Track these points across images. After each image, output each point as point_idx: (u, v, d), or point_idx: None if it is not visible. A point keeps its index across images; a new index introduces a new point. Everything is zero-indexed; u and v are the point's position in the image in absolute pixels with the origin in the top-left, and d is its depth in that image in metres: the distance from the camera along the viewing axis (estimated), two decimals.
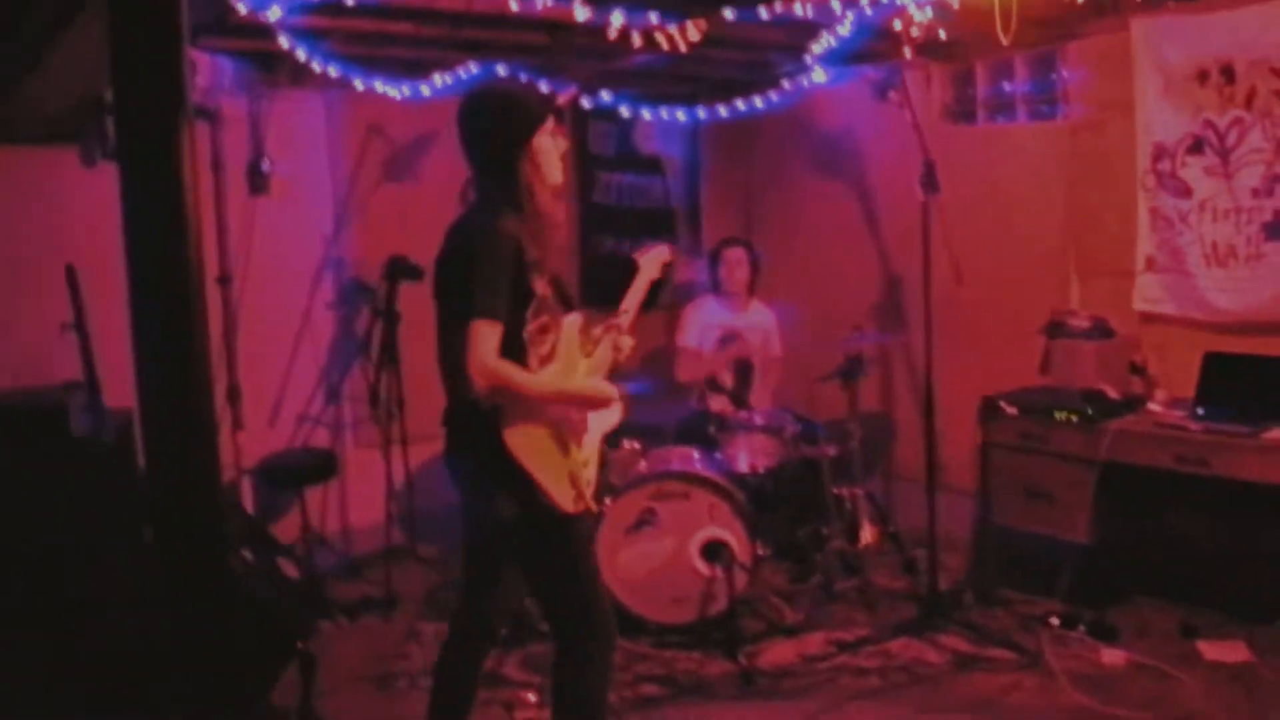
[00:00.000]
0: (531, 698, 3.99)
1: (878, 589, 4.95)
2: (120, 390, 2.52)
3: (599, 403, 2.97)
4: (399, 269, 5.14)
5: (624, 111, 6.14)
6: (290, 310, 5.35)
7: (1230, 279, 4.52)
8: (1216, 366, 4.36)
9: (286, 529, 5.15)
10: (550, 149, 2.90)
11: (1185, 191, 4.64)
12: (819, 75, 5.73)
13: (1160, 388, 4.55)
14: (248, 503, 4.90)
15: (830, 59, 5.40)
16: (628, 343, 3.19)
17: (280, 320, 5.31)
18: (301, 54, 4.30)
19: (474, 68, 5.01)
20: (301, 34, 4.30)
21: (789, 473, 5.08)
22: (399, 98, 4.99)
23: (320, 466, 5.17)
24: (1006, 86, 5.57)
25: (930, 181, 4.38)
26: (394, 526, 5.22)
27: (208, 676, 2.23)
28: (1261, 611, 4.33)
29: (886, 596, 4.90)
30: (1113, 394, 4.52)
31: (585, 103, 5.90)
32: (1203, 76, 4.51)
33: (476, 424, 2.75)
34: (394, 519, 5.24)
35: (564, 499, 2.80)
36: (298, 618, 4.13)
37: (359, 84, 4.76)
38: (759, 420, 5.01)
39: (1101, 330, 4.85)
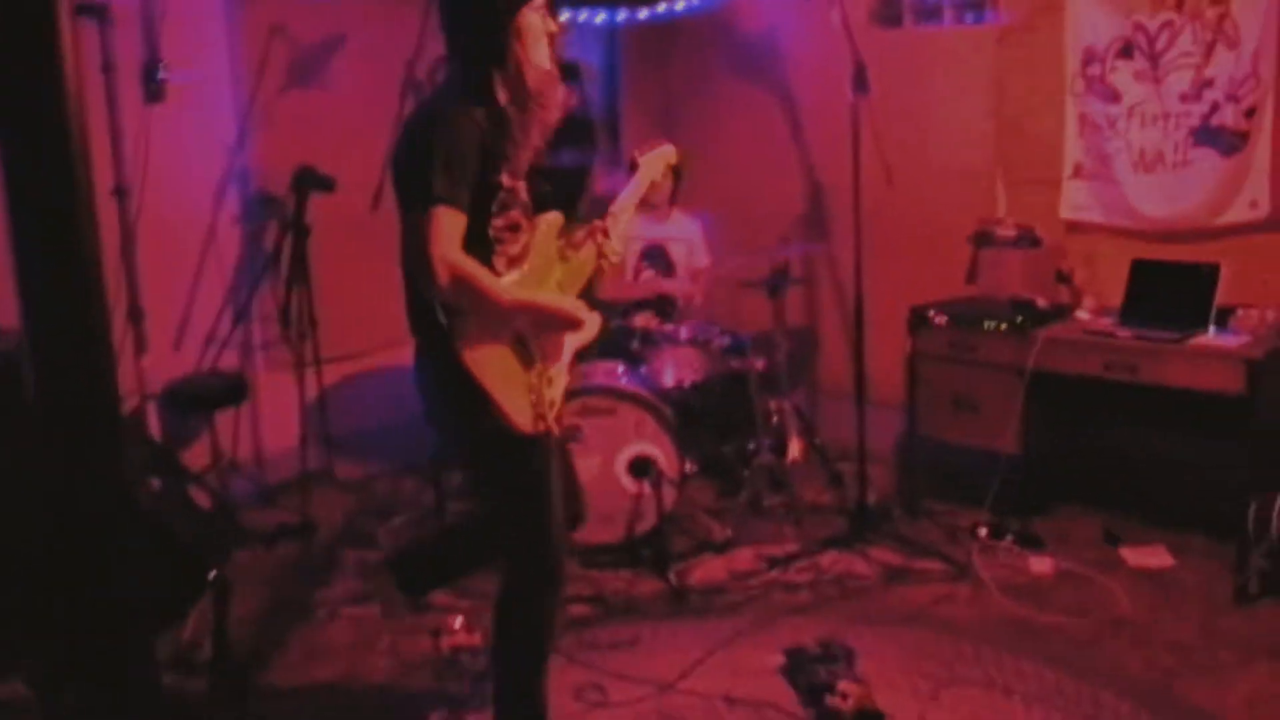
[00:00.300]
0: (458, 622, 3.88)
1: (805, 504, 4.92)
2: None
3: (567, 320, 2.75)
4: (308, 179, 4.89)
5: None
6: (193, 226, 5.06)
7: (1158, 185, 4.50)
8: (1144, 274, 4.35)
9: (197, 456, 4.93)
10: (538, 28, 2.63)
11: (1114, 96, 4.58)
12: None
13: (1088, 296, 4.53)
14: (154, 429, 4.66)
15: None
16: (615, 249, 2.95)
17: (183, 237, 5.02)
18: None
19: None
20: None
21: (715, 387, 4.99)
22: None
23: (230, 390, 4.94)
24: None
25: (861, 82, 4.26)
26: (310, 450, 5.02)
27: (109, 608, 2.10)
28: (1181, 517, 4.39)
29: (814, 511, 4.87)
30: (1041, 303, 4.49)
31: None
32: None
33: (434, 334, 2.56)
34: (309, 443, 5.05)
35: (522, 418, 2.61)
36: (210, 546, 3.96)
37: None
38: (685, 334, 4.89)
39: (1028, 239, 4.82)
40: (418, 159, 2.48)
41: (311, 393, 5.10)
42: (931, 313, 4.63)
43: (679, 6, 5.83)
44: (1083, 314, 4.46)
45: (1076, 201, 4.77)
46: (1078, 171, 4.75)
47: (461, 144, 2.47)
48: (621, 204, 3.03)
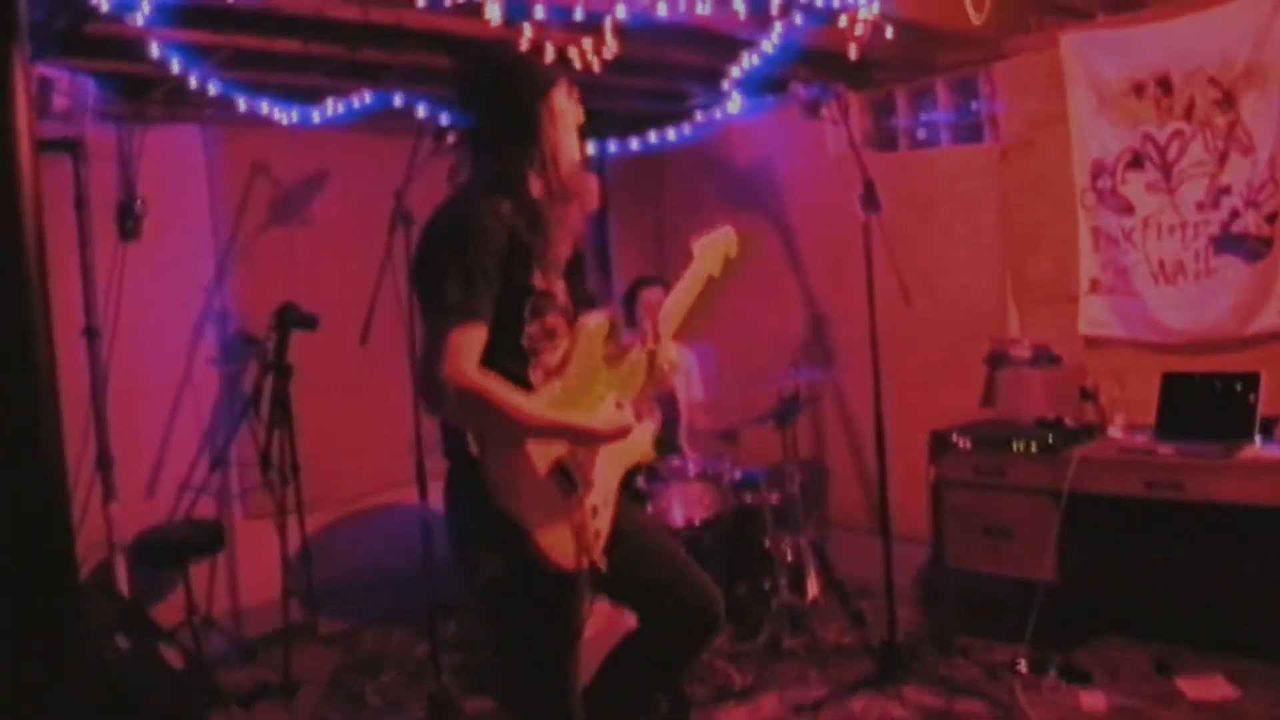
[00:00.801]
0: None
1: (828, 645, 4.57)
2: None
3: (606, 438, 2.42)
4: (290, 317, 4.66)
5: None
6: (168, 367, 4.80)
7: (1181, 296, 4.33)
8: (1177, 387, 4.14)
9: (169, 612, 4.55)
10: (569, 112, 2.43)
11: (1128, 208, 4.46)
12: (734, 105, 5.47)
13: (1118, 413, 4.31)
14: (122, 583, 4.30)
15: (746, 87, 5.13)
16: (671, 354, 2.66)
17: (157, 379, 4.76)
18: (175, 66, 3.81)
19: (369, 96, 4.59)
20: (176, 50, 3.84)
21: (727, 524, 4.70)
22: (287, 124, 4.53)
23: (204, 539, 4.60)
24: (927, 114, 5.38)
25: (871, 200, 4.11)
26: (291, 603, 4.65)
27: None
28: (1237, 644, 4.08)
29: (837, 652, 4.52)
30: (1070, 422, 4.26)
31: None
32: (1139, 89, 4.36)
33: (463, 460, 2.29)
34: (290, 595, 4.67)
35: (562, 553, 2.31)
36: (183, 709, 3.57)
37: (242, 104, 4.27)
38: (694, 468, 4.62)
39: (1046, 357, 4.62)
40: (433, 268, 2.23)
41: (293, 542, 4.76)
42: (954, 436, 4.38)
43: (670, 136, 5.74)
44: (1115, 432, 4.23)
45: (1096, 317, 4.59)
46: (1095, 287, 4.59)
47: (483, 248, 2.21)
48: (676, 300, 2.72)
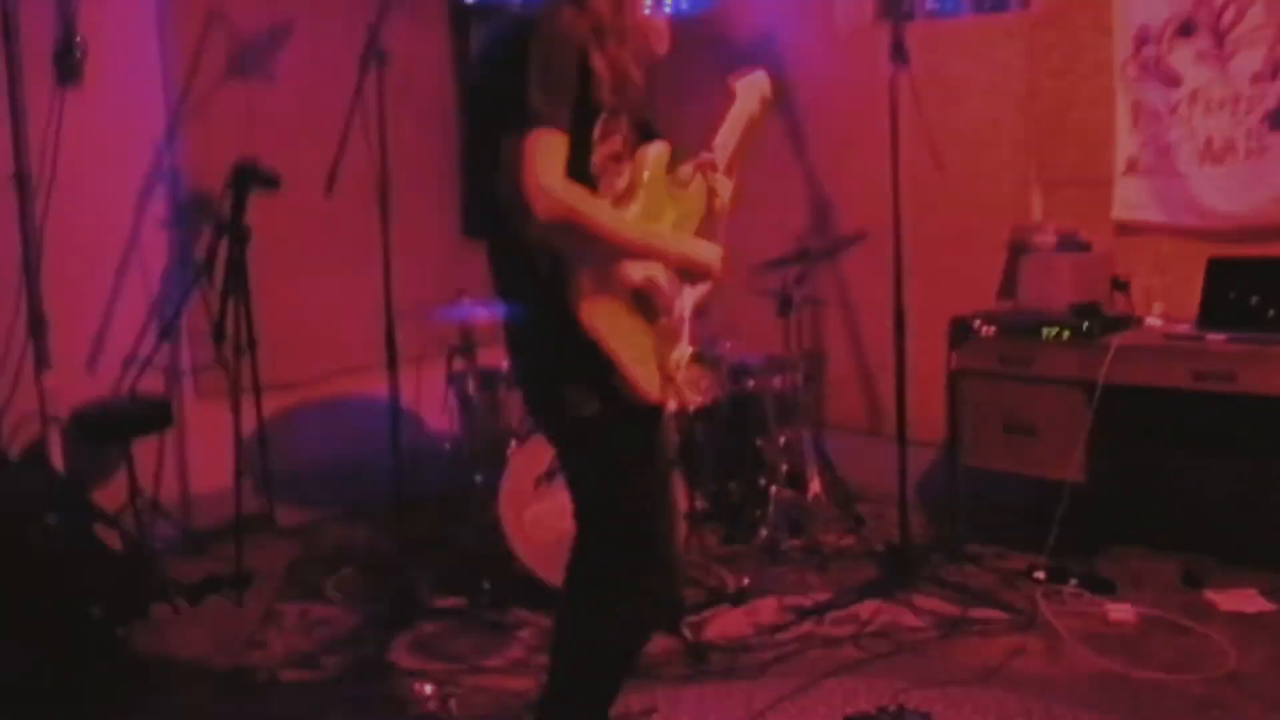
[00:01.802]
0: (428, 689, 3.16)
1: (828, 547, 4.25)
2: None
3: (697, 265, 2.30)
4: (249, 175, 4.18)
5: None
6: (112, 227, 4.33)
7: (1229, 177, 3.96)
8: (1223, 274, 3.80)
9: (110, 495, 4.14)
10: None
11: (1174, 80, 4.07)
12: None
13: (1157, 301, 3.97)
14: (56, 459, 3.88)
15: None
16: (726, 185, 2.49)
17: (101, 240, 4.29)
18: None
19: None
20: None
21: (722, 413, 4.34)
22: None
23: (150, 417, 4.18)
24: None
25: (900, 52, 3.69)
26: (245, 492, 4.25)
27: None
28: (1272, 557, 3.79)
29: (838, 556, 4.20)
30: (1106, 309, 3.92)
31: None
32: None
33: (539, 291, 2.15)
34: (246, 482, 4.28)
35: (650, 385, 2.19)
36: (122, 597, 3.19)
37: None
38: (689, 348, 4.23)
39: (1074, 243, 4.26)
40: (511, 71, 2.06)
41: (249, 424, 4.35)
42: (977, 322, 4.02)
43: (667, 7, 5.26)
44: (1154, 321, 3.89)
45: (1132, 200, 4.22)
46: (1132, 167, 4.21)
47: (561, 53, 2.08)
48: (723, 136, 2.54)
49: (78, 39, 4.14)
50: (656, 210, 2.29)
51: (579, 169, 2.10)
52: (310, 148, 4.04)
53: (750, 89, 2.65)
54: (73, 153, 4.08)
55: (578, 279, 2.10)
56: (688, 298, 2.36)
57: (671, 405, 2.36)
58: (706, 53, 5.66)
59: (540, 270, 2.12)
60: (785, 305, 4.48)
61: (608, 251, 2.14)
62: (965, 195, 4.66)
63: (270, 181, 4.21)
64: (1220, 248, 3.95)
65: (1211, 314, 3.76)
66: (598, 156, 2.16)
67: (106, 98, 4.25)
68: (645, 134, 2.34)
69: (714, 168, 2.45)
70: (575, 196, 2.04)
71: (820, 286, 5.18)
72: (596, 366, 2.12)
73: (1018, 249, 4.42)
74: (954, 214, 4.70)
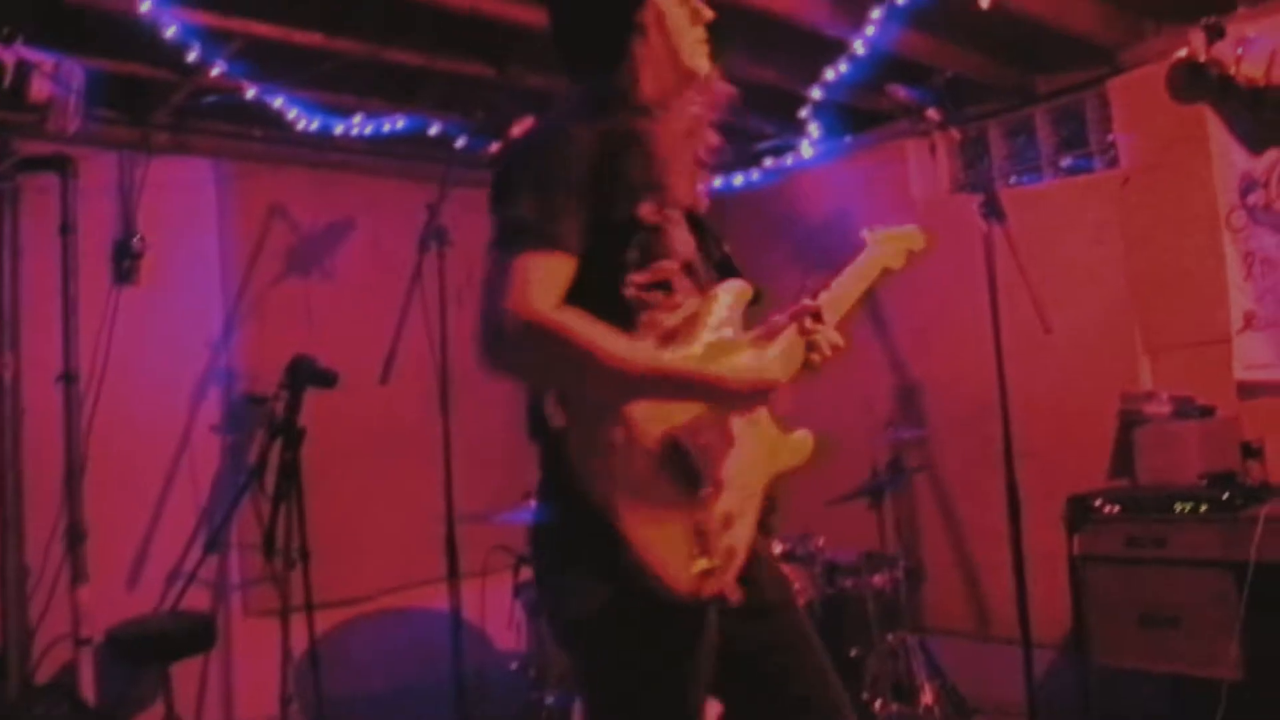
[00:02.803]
0: None
1: None
2: None
3: (752, 389, 1.74)
4: (304, 373, 4.00)
5: None
6: (162, 432, 4.13)
7: None
8: None
9: None
10: (680, 18, 1.88)
11: None
12: (808, 149, 4.90)
13: None
14: (88, 687, 3.54)
15: (824, 119, 4.57)
16: (832, 340, 2.02)
17: (149, 444, 4.08)
18: (192, 53, 3.24)
19: (401, 121, 4.04)
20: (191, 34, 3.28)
21: (818, 617, 3.91)
22: (305, 130, 3.94)
23: (191, 635, 3.84)
24: (1026, 149, 4.76)
25: (994, 208, 3.46)
26: (294, 716, 3.86)
27: None
28: None
29: None
30: (1244, 478, 3.50)
31: None
32: None
33: (545, 442, 1.74)
34: (293, 708, 3.89)
35: (676, 571, 1.66)
36: None
37: (250, 93, 3.64)
38: (780, 545, 3.86)
39: (1193, 409, 3.88)
40: (502, 185, 1.74)
41: (299, 643, 3.99)
42: (1099, 501, 3.61)
43: (736, 181, 5.14)
44: None
45: (1255, 358, 3.86)
46: (1250, 321, 3.87)
47: (566, 158, 1.71)
48: (842, 284, 2.18)
49: (136, 238, 4.06)
50: (725, 355, 1.80)
51: (607, 297, 1.70)
52: (369, 345, 3.86)
53: (891, 241, 2.39)
54: (125, 352, 3.94)
55: (582, 422, 1.66)
56: (758, 469, 1.85)
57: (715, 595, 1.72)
58: (776, 228, 5.54)
59: (550, 429, 1.69)
60: (879, 492, 4.11)
61: (611, 387, 1.63)
62: (1067, 365, 4.33)
63: (326, 379, 4.01)
64: None
65: None
66: (632, 283, 1.74)
67: (163, 295, 4.14)
68: (722, 270, 1.95)
69: (818, 318, 2.03)
70: (560, 320, 1.60)
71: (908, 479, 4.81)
72: (599, 541, 1.63)
73: (1129, 420, 4.04)
74: (1056, 385, 4.36)
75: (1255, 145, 3.83)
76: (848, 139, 4.91)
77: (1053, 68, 4.46)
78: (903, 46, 3.90)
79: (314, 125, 3.87)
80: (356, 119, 3.96)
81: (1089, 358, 4.31)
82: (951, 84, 4.01)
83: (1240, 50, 3.43)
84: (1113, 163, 4.37)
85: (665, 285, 1.77)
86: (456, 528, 3.74)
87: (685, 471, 1.69)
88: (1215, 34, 3.47)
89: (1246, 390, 3.90)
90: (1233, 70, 3.42)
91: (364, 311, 4.40)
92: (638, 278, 1.74)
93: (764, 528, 1.93)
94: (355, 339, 4.23)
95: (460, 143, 4.07)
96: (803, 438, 1.98)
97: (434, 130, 4.10)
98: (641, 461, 1.66)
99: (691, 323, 1.79)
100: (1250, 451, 3.73)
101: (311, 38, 3.38)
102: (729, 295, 1.88)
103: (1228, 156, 3.89)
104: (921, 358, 4.92)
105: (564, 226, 1.65)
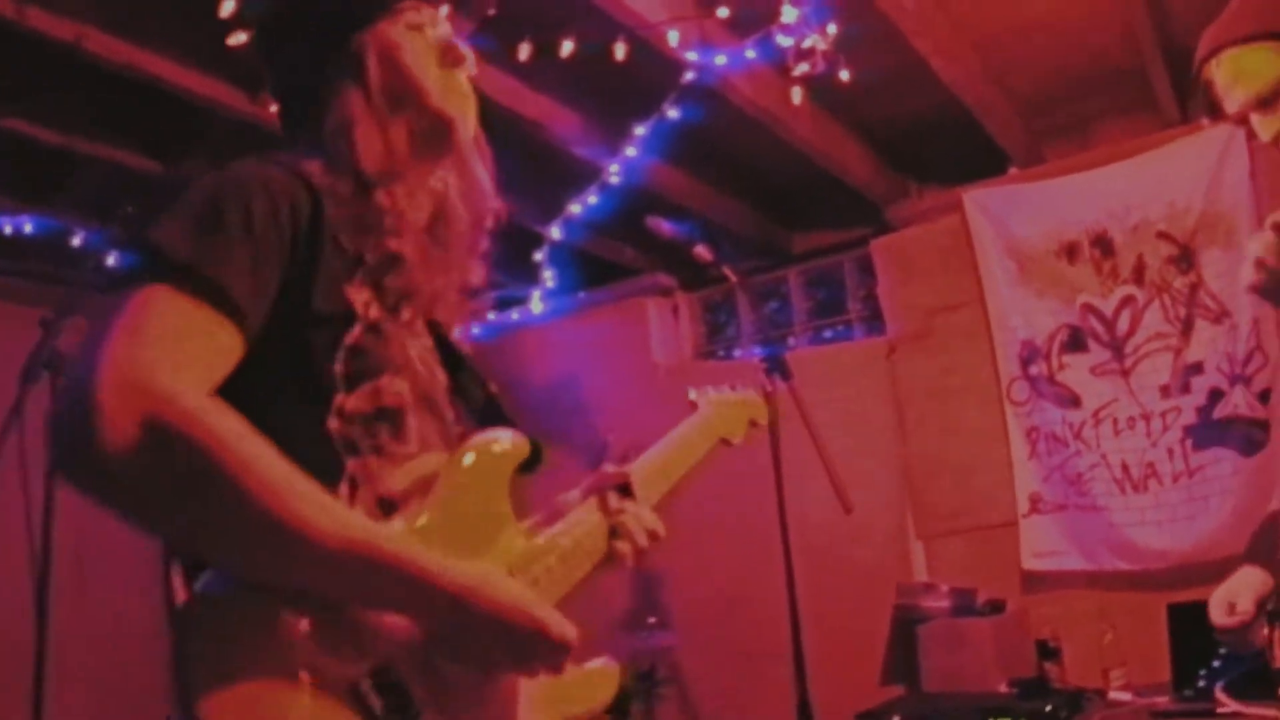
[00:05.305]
0: None
1: None
2: None
3: (493, 617, 1.06)
4: None
5: None
6: None
7: (1156, 507, 3.30)
8: (1186, 624, 3.00)
9: None
10: (419, 50, 1.29)
11: (1072, 400, 3.47)
12: (537, 304, 4.28)
13: (1118, 667, 3.10)
14: None
15: (561, 268, 3.99)
16: (646, 521, 1.41)
17: None
18: None
19: (29, 225, 3.11)
20: None
21: None
22: None
23: None
24: (778, 311, 4.37)
25: (779, 365, 2.90)
26: None
27: None
28: None
29: None
30: (1057, 683, 3.02)
31: None
32: (1071, 251, 3.50)
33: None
34: None
35: None
36: None
37: None
38: None
39: (980, 604, 3.43)
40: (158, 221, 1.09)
41: None
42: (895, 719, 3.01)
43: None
44: (1118, 694, 3.01)
45: (1043, 545, 3.48)
46: (1037, 505, 3.50)
47: (259, 199, 1.11)
48: (663, 453, 1.58)
49: None
50: (470, 542, 1.16)
51: (291, 431, 1.04)
52: None
53: (729, 407, 1.82)
54: None
55: (216, 610, 0.97)
56: (509, 707, 1.17)
57: None
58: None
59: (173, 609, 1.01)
60: (626, 705, 3.36)
61: (266, 552, 0.97)
62: (829, 556, 3.80)
63: None
64: (1159, 596, 3.20)
65: (1189, 678, 2.92)
66: (339, 408, 1.13)
67: None
68: (486, 417, 1.32)
69: (629, 492, 1.42)
70: (204, 414, 0.95)
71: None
72: None
73: (907, 616, 3.54)
74: (817, 580, 3.81)
75: (1035, 312, 3.54)
76: (583, 294, 4.35)
77: (812, 223, 4.12)
78: (659, 181, 3.41)
79: None
80: None
81: (860, 548, 3.81)
82: (705, 234, 3.55)
83: None
84: (877, 330, 4.00)
85: (392, 419, 1.16)
86: None
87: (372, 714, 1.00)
88: None
89: (1033, 581, 3.50)
90: None
91: None
92: (349, 402, 1.13)
93: None
94: None
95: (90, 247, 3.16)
96: (603, 672, 1.31)
97: (77, 240, 3.18)
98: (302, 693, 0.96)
99: (425, 489, 1.15)
100: (1047, 652, 3.28)
101: None
102: (489, 453, 1.21)
103: (1006, 323, 3.59)
104: (664, 546, 4.27)
105: (234, 278, 1.05)
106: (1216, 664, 2.95)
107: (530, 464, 1.26)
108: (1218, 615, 1.40)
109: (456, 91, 1.32)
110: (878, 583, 3.74)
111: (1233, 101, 1.44)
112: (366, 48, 1.28)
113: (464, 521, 1.16)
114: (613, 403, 4.45)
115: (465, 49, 1.34)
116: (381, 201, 1.22)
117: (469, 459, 1.19)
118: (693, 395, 1.79)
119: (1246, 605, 1.35)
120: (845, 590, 3.79)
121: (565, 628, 1.09)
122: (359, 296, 1.16)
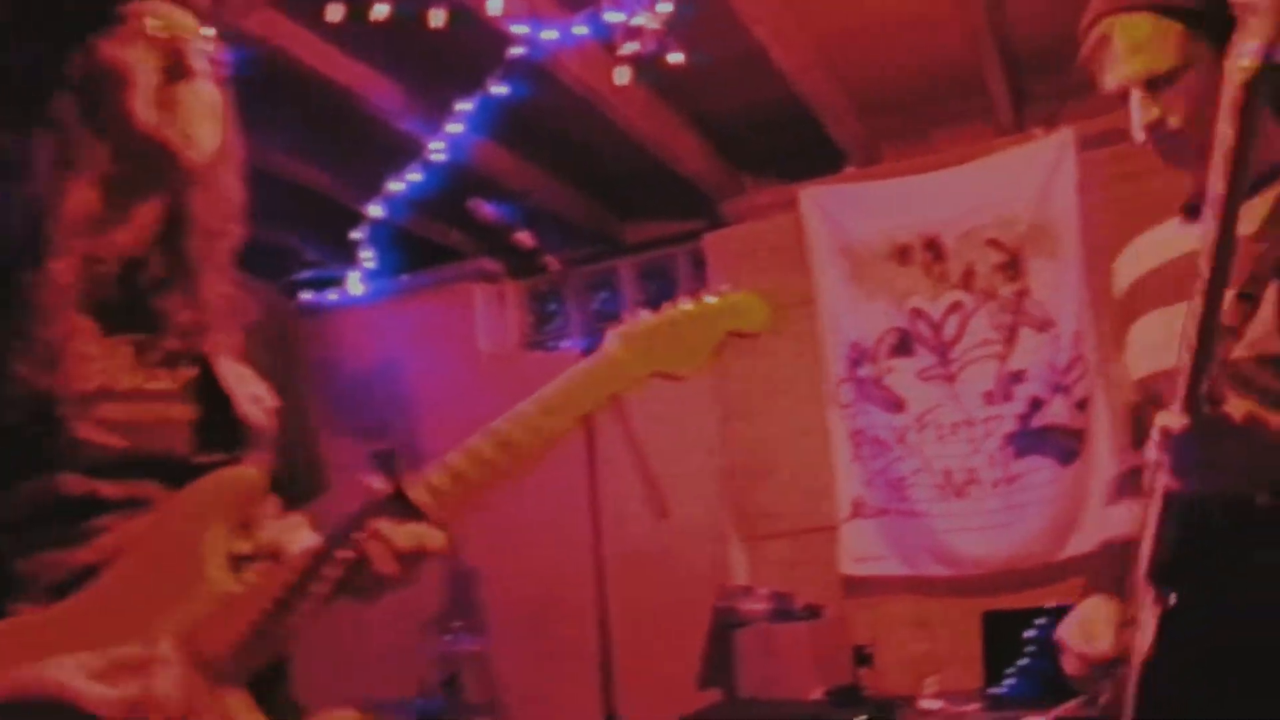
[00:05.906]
0: None
1: None
2: None
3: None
4: None
5: None
6: None
7: (976, 514, 3.29)
8: (1001, 632, 3.00)
9: None
10: (143, 70, 1.10)
11: (897, 404, 3.44)
12: (355, 287, 4.04)
13: (933, 675, 3.08)
14: None
15: (380, 247, 3.77)
16: (427, 539, 1.10)
17: None
18: None
19: None
20: None
21: None
22: None
23: None
24: (606, 304, 4.24)
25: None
26: None
27: None
28: None
29: None
30: (869, 691, 2.98)
31: None
32: (903, 254, 3.46)
33: None
34: None
35: None
36: None
37: None
38: None
39: (797, 608, 3.36)
40: None
41: None
42: None
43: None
44: (928, 702, 2.98)
45: (863, 549, 3.43)
46: (859, 509, 3.45)
47: None
48: (521, 419, 1.14)
49: None
50: (182, 570, 1.04)
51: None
52: None
53: (654, 343, 1.21)
54: None
55: None
56: None
57: None
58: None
59: None
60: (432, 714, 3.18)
61: None
62: (649, 557, 3.69)
63: None
64: (978, 602, 3.20)
65: (1000, 684, 2.91)
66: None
67: None
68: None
69: (410, 511, 1.10)
70: None
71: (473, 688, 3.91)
72: None
73: (725, 620, 3.46)
74: (634, 582, 3.70)
75: (865, 314, 3.50)
76: (405, 276, 4.13)
77: (645, 214, 4.00)
78: (487, 160, 3.23)
79: None
80: None
81: (679, 551, 3.71)
82: (532, 219, 3.39)
83: None
84: None
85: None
86: None
87: None
88: None
89: (853, 586, 3.45)
90: None
91: None
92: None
93: None
94: None
95: None
96: None
97: None
98: None
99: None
100: (863, 658, 3.25)
101: None
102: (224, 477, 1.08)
103: (837, 323, 3.53)
104: (479, 541, 4.10)
105: None
106: (1023, 662, 2.98)
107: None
108: (1080, 644, 1.28)
109: (196, 111, 1.12)
110: (699, 585, 3.65)
111: (1121, 71, 1.27)
112: (89, 72, 1.11)
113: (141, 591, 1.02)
114: (434, 392, 4.23)
115: (198, 57, 1.13)
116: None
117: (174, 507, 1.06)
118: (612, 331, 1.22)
119: (1108, 636, 1.25)
120: (664, 592, 3.68)
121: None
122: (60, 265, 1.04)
